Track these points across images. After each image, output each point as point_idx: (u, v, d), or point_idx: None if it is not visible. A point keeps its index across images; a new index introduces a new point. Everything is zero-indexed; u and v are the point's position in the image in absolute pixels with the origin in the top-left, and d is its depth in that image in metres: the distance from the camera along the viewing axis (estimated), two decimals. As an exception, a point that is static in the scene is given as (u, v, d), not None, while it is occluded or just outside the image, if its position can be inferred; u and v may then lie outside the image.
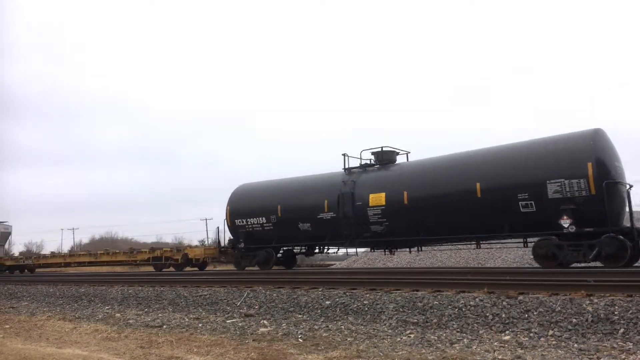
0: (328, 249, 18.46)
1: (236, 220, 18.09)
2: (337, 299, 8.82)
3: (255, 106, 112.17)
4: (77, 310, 11.66)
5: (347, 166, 16.33)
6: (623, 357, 5.13)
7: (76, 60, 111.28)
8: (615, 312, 6.21)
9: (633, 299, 6.52)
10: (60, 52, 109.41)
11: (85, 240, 64.33)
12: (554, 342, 5.84)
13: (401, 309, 7.80)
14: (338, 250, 19.93)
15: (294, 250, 18.43)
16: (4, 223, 33.23)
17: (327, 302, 8.79)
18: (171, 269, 20.72)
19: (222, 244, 19.90)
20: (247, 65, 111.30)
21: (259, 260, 17.16)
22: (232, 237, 18.64)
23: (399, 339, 6.54)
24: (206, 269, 21.12)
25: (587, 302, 6.63)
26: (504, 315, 6.84)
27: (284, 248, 18.02)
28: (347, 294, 9.06)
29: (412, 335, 6.67)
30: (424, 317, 7.39)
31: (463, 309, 7.29)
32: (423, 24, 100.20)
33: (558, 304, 6.74)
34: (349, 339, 6.66)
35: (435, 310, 7.50)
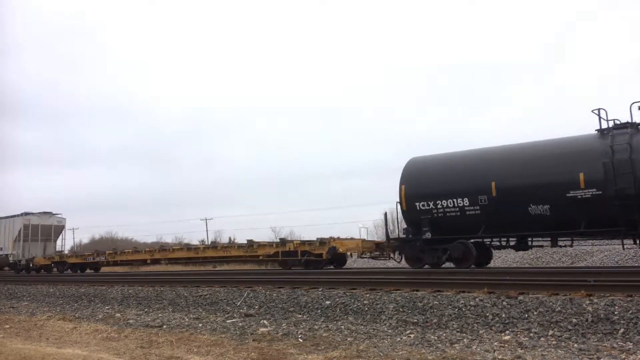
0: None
1: (417, 204, 14.01)
2: (337, 299, 8.82)
3: (254, 106, 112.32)
4: (77, 310, 11.66)
5: (604, 126, 11.94)
6: (623, 357, 5.13)
7: (76, 61, 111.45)
8: (615, 312, 6.21)
9: (633, 299, 6.52)
10: (59, 52, 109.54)
11: (85, 240, 64.26)
12: (554, 342, 5.84)
13: (401, 309, 7.80)
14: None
15: (499, 242, 13.78)
16: (57, 215, 28.84)
17: (327, 302, 8.79)
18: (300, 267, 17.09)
19: (391, 234, 15.88)
20: (245, 65, 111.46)
21: (454, 255, 13.07)
22: (407, 226, 14.70)
23: (399, 339, 6.54)
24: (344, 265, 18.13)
25: (587, 302, 6.63)
26: (504, 315, 6.84)
27: (491, 239, 13.68)
28: (347, 294, 9.06)
29: (412, 335, 6.67)
30: (424, 317, 7.39)
31: (463, 309, 7.29)
32: (423, 23, 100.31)
33: (558, 304, 6.74)
34: (349, 339, 6.66)
35: (435, 310, 7.50)
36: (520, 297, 7.31)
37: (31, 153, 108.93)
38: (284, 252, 17.16)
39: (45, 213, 28.08)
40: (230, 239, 27.78)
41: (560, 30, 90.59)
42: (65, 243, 30.65)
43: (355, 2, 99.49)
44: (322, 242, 16.42)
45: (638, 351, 5.27)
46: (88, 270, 25.66)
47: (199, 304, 10.46)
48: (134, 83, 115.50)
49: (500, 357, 5.34)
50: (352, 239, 17.15)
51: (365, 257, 17.63)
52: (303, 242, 17.29)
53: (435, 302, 7.70)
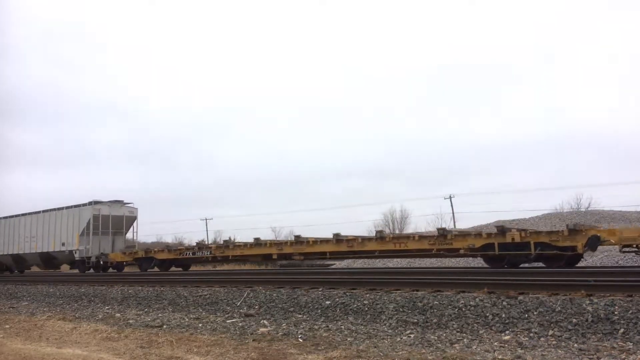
0: None
1: None
2: (337, 299, 8.82)
3: (253, 106, 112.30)
4: (77, 310, 11.66)
5: None
6: (623, 357, 5.13)
7: (75, 62, 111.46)
8: (615, 312, 6.21)
9: (633, 299, 6.52)
10: (59, 54, 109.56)
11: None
12: (554, 342, 5.84)
13: (401, 309, 7.81)
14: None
15: None
16: (128, 205, 25.13)
17: (327, 302, 8.79)
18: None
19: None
20: (244, 65, 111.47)
21: None
22: None
23: (399, 339, 6.54)
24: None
25: (587, 302, 6.63)
26: (504, 315, 6.84)
27: None
28: (347, 294, 9.06)
29: (412, 335, 6.68)
30: (424, 317, 7.39)
31: (463, 309, 7.29)
32: (423, 23, 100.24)
33: (558, 304, 6.74)
34: (349, 339, 6.66)
35: (435, 310, 7.50)
36: (520, 297, 7.31)
37: (31, 154, 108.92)
38: (502, 245, 12.50)
39: (116, 202, 24.57)
40: (230, 238, 26.95)
41: (560, 30, 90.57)
42: (137, 236, 26.48)
43: (355, 2, 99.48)
44: (574, 229, 11.68)
45: (638, 351, 5.27)
46: (173, 268, 21.36)
47: (199, 304, 10.46)
48: (134, 84, 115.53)
49: (500, 357, 5.35)
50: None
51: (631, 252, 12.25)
52: (537, 232, 12.48)
53: (435, 302, 7.71)
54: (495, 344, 5.97)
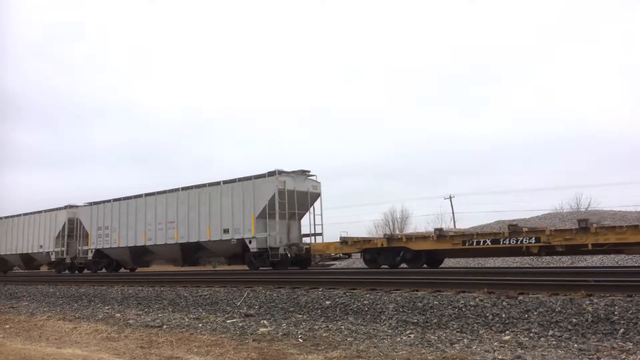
0: None
1: None
2: (337, 299, 8.82)
3: (252, 106, 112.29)
4: (77, 310, 11.66)
5: None
6: (623, 357, 5.13)
7: (75, 62, 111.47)
8: (615, 312, 6.21)
9: (633, 299, 6.52)
10: (58, 55, 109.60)
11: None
12: (554, 342, 5.84)
13: (401, 309, 7.81)
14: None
15: None
16: (311, 177, 18.07)
17: (327, 302, 8.79)
18: None
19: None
20: (243, 65, 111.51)
21: None
22: None
23: (399, 339, 6.54)
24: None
25: (587, 302, 6.63)
26: (504, 315, 6.84)
27: None
28: (347, 294, 9.06)
29: (412, 335, 6.67)
30: (424, 317, 7.39)
31: (463, 309, 7.29)
32: (423, 24, 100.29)
33: (558, 304, 6.74)
34: (349, 339, 6.66)
35: (435, 310, 7.50)
36: (520, 297, 7.30)
37: (31, 154, 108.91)
38: None
39: (301, 172, 17.76)
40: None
41: (560, 30, 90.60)
42: (322, 219, 18.03)
43: (355, 2, 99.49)
44: None
45: (638, 351, 5.27)
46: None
47: (199, 304, 10.46)
48: (133, 84, 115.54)
49: (500, 357, 5.34)
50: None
51: None
52: None
53: (435, 302, 7.71)
54: (495, 344, 5.97)
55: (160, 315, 9.87)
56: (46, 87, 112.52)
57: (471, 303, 7.40)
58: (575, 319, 6.31)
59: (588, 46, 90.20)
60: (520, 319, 6.65)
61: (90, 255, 22.74)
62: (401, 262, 14.61)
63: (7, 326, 9.71)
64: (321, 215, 18.06)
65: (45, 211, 26.15)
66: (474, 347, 5.88)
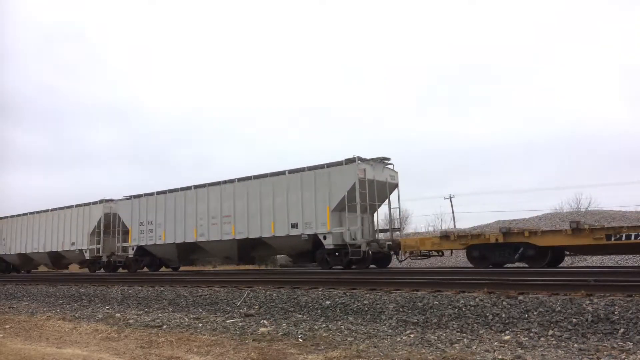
0: None
1: None
2: (337, 299, 8.82)
3: (251, 106, 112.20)
4: (77, 310, 11.66)
5: None
6: (623, 357, 5.13)
7: (75, 62, 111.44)
8: (615, 312, 6.21)
9: (633, 299, 6.52)
10: (58, 56, 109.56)
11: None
12: (554, 342, 5.84)
13: (401, 309, 7.80)
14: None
15: None
16: (389, 166, 16.42)
17: (327, 302, 8.79)
18: None
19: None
20: (241, 65, 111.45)
21: None
22: None
23: (399, 339, 6.54)
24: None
25: (587, 302, 6.63)
26: (504, 315, 6.84)
27: None
28: (347, 294, 9.06)
29: (412, 335, 6.67)
30: (424, 317, 7.39)
31: (463, 309, 7.29)
32: (422, 24, 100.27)
33: (558, 304, 6.74)
34: (349, 339, 6.65)
35: (435, 310, 7.50)
36: (520, 297, 7.30)
37: (31, 155, 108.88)
38: None
39: (380, 160, 16.03)
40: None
41: (560, 30, 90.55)
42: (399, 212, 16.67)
43: (355, 3, 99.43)
44: None
45: (638, 351, 5.26)
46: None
47: (199, 304, 10.46)
48: (133, 84, 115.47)
49: (500, 357, 5.34)
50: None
51: None
52: None
53: (435, 302, 7.70)
54: (495, 344, 5.96)
55: (160, 315, 9.87)
56: (46, 87, 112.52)
57: (471, 303, 7.40)
58: (575, 319, 6.31)
59: (588, 46, 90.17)
60: (520, 319, 6.65)
61: (130, 253, 21.16)
62: (520, 260, 12.87)
63: (7, 326, 9.71)
64: (399, 208, 16.77)
65: (76, 206, 24.39)
66: (474, 347, 5.88)
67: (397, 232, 16.13)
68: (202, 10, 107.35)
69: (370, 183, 15.31)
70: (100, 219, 22.92)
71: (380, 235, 16.44)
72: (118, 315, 10.22)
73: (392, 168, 16.46)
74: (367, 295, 8.75)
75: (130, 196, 21.61)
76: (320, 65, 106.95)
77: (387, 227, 17.05)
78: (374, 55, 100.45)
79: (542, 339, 6.02)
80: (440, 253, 14.77)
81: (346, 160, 15.26)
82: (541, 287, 7.85)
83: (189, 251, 19.70)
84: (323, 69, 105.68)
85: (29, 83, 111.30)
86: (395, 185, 16.56)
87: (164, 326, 8.53)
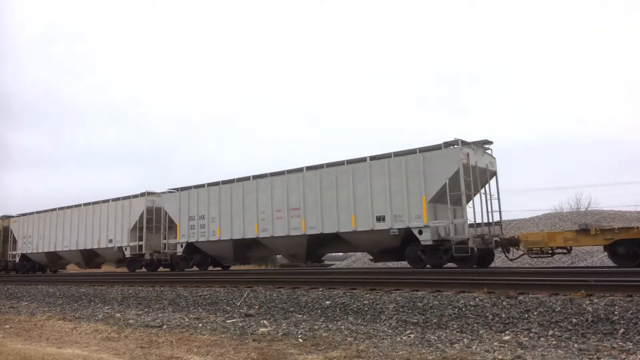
0: None
1: None
2: (337, 299, 8.82)
3: (245, 107, 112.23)
4: (77, 310, 11.65)
5: None
6: (623, 357, 5.13)
7: (73, 63, 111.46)
8: (615, 312, 6.21)
9: (633, 299, 6.52)
10: (58, 56, 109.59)
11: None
12: (554, 342, 5.84)
13: (401, 309, 7.80)
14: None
15: None
16: (488, 151, 14.81)
17: (327, 302, 8.79)
18: None
19: None
20: (239, 66, 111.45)
21: None
22: None
23: (399, 339, 6.53)
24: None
25: (587, 302, 6.63)
26: (504, 315, 6.84)
27: None
28: (347, 294, 9.06)
29: (412, 335, 6.67)
30: (424, 317, 7.39)
31: (463, 309, 7.29)
32: (422, 24, 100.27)
33: (558, 304, 6.74)
34: (349, 339, 6.65)
35: (435, 310, 7.50)
36: (520, 297, 7.30)
37: (29, 155, 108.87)
38: None
39: (482, 144, 14.43)
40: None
41: (561, 31, 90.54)
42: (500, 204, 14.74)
43: (355, 3, 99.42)
44: None
45: (638, 351, 5.26)
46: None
47: (199, 304, 10.46)
48: (132, 85, 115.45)
49: (500, 357, 5.34)
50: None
51: None
52: None
53: (435, 302, 7.71)
54: (495, 344, 5.96)
55: (160, 315, 9.86)
56: (45, 87, 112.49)
57: (471, 303, 7.40)
58: (575, 319, 6.31)
59: (588, 46, 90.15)
60: (520, 319, 6.65)
61: (179, 250, 19.44)
62: None
63: (7, 326, 9.71)
64: (498, 199, 14.58)
65: (113, 200, 22.58)
66: (474, 347, 5.88)
67: (495, 227, 14.30)
68: (202, 10, 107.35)
69: (473, 170, 13.53)
70: (142, 214, 21.09)
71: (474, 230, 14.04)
72: (118, 315, 10.22)
73: (490, 153, 14.79)
74: (367, 295, 8.75)
75: (177, 188, 20.09)
76: (320, 65, 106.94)
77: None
78: (373, 56, 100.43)
79: (542, 339, 6.02)
80: (567, 250, 12.91)
81: (445, 143, 13.56)
82: (541, 287, 7.85)
83: (245, 248, 18.19)
84: (323, 68, 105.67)
85: (28, 83, 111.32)
86: (494, 173, 14.82)
87: (164, 326, 8.53)
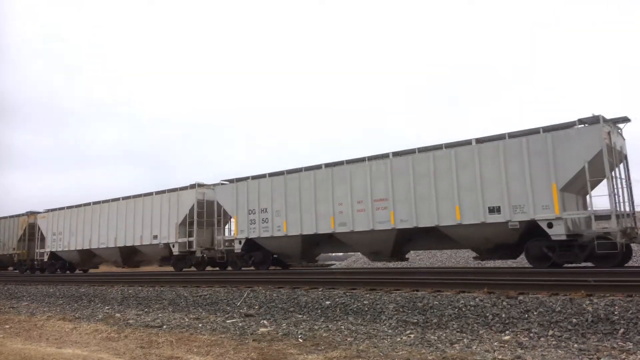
0: None
1: None
2: (337, 299, 8.82)
3: (244, 107, 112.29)
4: (77, 310, 11.65)
5: None
6: (623, 357, 5.13)
7: (74, 64, 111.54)
8: (615, 312, 6.21)
9: (633, 299, 6.52)
10: (58, 55, 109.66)
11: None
12: (554, 342, 5.84)
13: (401, 309, 7.80)
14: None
15: None
16: (620, 129, 12.61)
17: (327, 302, 8.79)
18: None
19: None
20: (238, 66, 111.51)
21: None
22: None
23: (399, 339, 6.53)
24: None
25: (587, 302, 6.63)
26: (504, 315, 6.84)
27: None
28: (347, 294, 9.06)
29: (412, 335, 6.67)
30: (424, 317, 7.39)
31: (463, 309, 7.29)
32: (421, 24, 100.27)
33: (558, 304, 6.74)
34: (349, 339, 6.65)
35: (435, 310, 7.50)
36: (520, 297, 7.31)
37: (30, 155, 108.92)
38: None
39: (621, 121, 12.35)
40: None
41: (561, 31, 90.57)
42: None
43: (355, 3, 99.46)
44: None
45: (638, 351, 5.26)
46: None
47: (199, 304, 10.46)
48: (132, 85, 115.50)
49: (500, 357, 5.34)
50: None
51: None
52: None
53: (435, 302, 7.71)
54: (495, 344, 5.96)
55: (160, 315, 9.87)
56: (44, 88, 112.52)
57: (471, 303, 7.40)
58: (575, 319, 6.31)
59: (587, 47, 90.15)
60: (520, 319, 6.65)
61: (237, 247, 17.62)
62: None
63: (7, 326, 9.71)
64: (630, 187, 12.32)
65: (156, 193, 20.87)
66: (474, 347, 5.88)
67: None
68: (202, 10, 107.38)
69: (610, 152, 11.42)
70: (192, 207, 19.37)
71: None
72: (118, 315, 10.22)
73: (621, 133, 12.64)
74: (367, 295, 8.75)
75: (232, 179, 18.30)
76: (320, 65, 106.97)
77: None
78: (373, 56, 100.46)
79: (542, 339, 6.02)
80: None
81: (579, 120, 11.62)
82: (541, 287, 7.85)
83: (314, 244, 16.47)
84: (322, 68, 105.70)
85: (27, 83, 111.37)
86: (625, 156, 12.70)
87: (164, 326, 8.53)
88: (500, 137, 12.61)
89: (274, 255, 17.48)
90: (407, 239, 14.50)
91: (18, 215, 28.37)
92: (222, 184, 18.62)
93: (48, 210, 26.32)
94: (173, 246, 19.68)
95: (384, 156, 14.48)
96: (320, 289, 9.88)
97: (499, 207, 12.27)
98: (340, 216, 14.98)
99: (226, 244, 18.30)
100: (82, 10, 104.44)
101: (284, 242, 16.45)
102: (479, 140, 12.87)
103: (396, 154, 14.28)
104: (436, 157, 13.42)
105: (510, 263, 20.62)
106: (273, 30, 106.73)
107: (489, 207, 12.40)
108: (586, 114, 12.05)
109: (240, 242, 17.51)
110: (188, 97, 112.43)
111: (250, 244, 17.36)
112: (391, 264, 22.18)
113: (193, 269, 19.89)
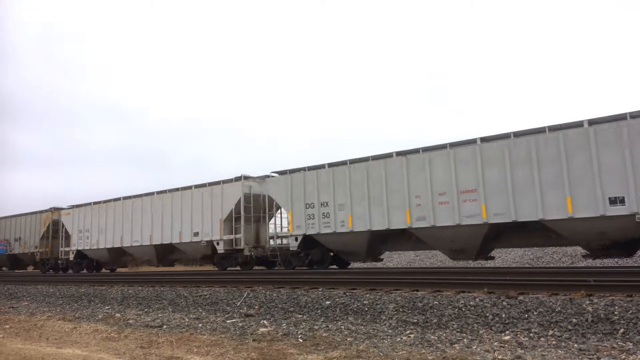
0: None
1: None
2: (337, 299, 8.82)
3: (243, 107, 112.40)
4: (77, 310, 11.66)
5: None
6: (623, 357, 5.13)
7: (74, 64, 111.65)
8: (615, 312, 6.21)
9: (633, 299, 6.53)
10: (58, 55, 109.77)
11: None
12: (554, 342, 5.84)
13: (401, 309, 7.81)
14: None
15: None
16: None
17: (327, 302, 8.79)
18: None
19: None
20: (238, 66, 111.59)
21: None
22: None
23: (399, 339, 6.54)
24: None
25: (587, 302, 6.64)
26: (504, 315, 6.84)
27: None
28: (347, 294, 9.07)
29: (412, 335, 6.67)
30: (424, 317, 7.39)
31: (463, 309, 7.29)
32: (421, 24, 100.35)
33: (558, 304, 6.74)
34: (349, 339, 6.65)
35: (435, 310, 7.50)
36: (520, 297, 7.31)
37: (29, 155, 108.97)
38: None
39: None
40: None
41: (561, 31, 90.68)
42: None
43: (355, 3, 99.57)
44: None
45: (638, 351, 5.26)
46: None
47: (199, 304, 10.46)
48: (132, 85, 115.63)
49: (500, 357, 5.34)
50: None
51: None
52: None
53: (435, 302, 7.71)
54: (495, 344, 5.96)
55: (160, 315, 9.87)
56: (44, 88, 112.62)
57: (471, 303, 7.40)
58: (575, 319, 6.31)
59: (587, 47, 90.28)
60: (520, 319, 6.65)
61: (293, 245, 16.15)
62: None
63: (7, 326, 9.71)
64: None
65: (196, 186, 19.34)
66: (474, 347, 5.88)
67: None
68: (202, 10, 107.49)
69: None
70: (238, 201, 17.71)
71: None
72: (118, 315, 10.23)
73: None
74: (367, 295, 8.76)
75: (285, 170, 16.76)
76: (319, 65, 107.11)
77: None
78: (373, 55, 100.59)
79: (542, 339, 6.02)
80: None
81: None
82: (541, 287, 7.86)
83: (380, 241, 14.86)
84: (322, 68, 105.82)
85: (27, 83, 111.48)
86: None
87: (164, 326, 8.53)
88: (618, 118, 10.83)
89: (331, 253, 15.97)
90: (497, 235, 12.90)
91: (41, 212, 26.67)
92: (271, 175, 17.19)
93: (72, 207, 25.06)
94: (217, 244, 18.05)
95: (470, 142, 12.94)
96: (320, 289, 9.88)
97: (623, 197, 10.55)
98: (418, 209, 13.36)
99: (278, 241, 16.91)
100: (83, 10, 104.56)
101: (348, 238, 14.78)
102: (592, 122, 11.10)
103: (484, 139, 12.69)
104: (538, 143, 11.67)
105: (510, 263, 20.65)
106: (273, 30, 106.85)
107: (609, 198, 10.70)
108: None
109: (296, 239, 15.81)
110: (188, 96, 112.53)
111: (308, 241, 15.74)
112: (391, 264, 22.20)
113: (238, 268, 18.42)
